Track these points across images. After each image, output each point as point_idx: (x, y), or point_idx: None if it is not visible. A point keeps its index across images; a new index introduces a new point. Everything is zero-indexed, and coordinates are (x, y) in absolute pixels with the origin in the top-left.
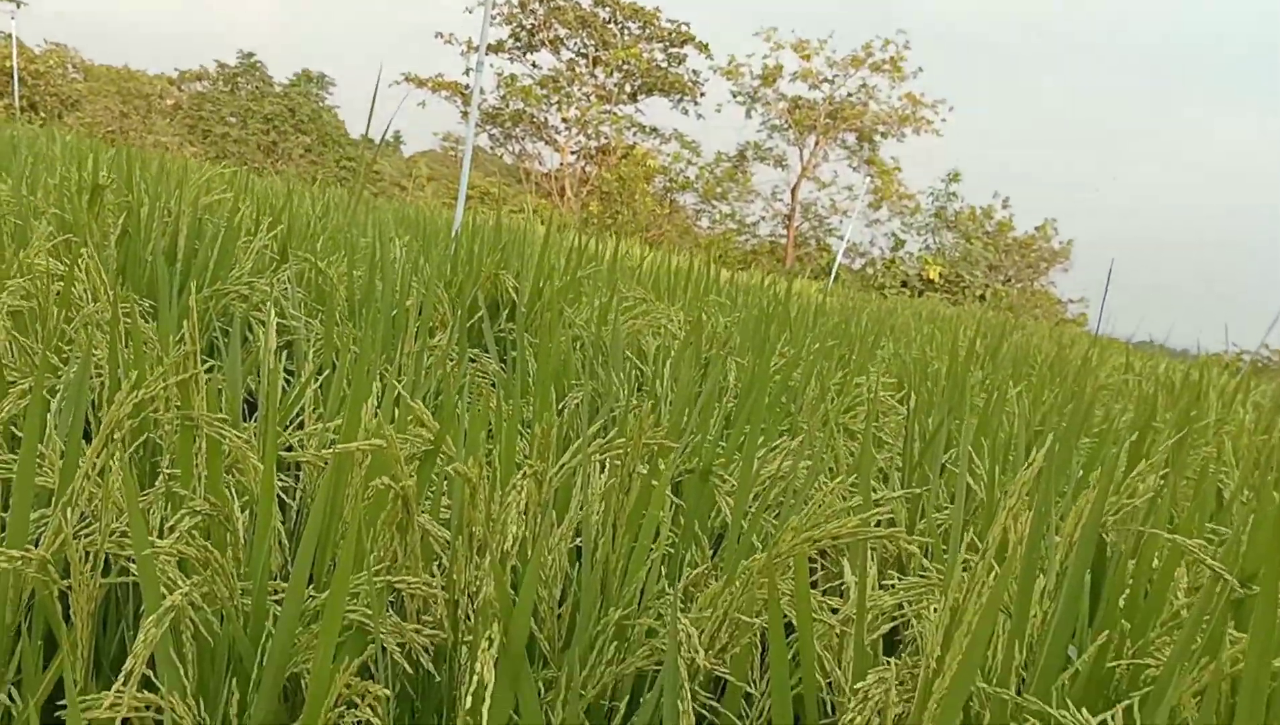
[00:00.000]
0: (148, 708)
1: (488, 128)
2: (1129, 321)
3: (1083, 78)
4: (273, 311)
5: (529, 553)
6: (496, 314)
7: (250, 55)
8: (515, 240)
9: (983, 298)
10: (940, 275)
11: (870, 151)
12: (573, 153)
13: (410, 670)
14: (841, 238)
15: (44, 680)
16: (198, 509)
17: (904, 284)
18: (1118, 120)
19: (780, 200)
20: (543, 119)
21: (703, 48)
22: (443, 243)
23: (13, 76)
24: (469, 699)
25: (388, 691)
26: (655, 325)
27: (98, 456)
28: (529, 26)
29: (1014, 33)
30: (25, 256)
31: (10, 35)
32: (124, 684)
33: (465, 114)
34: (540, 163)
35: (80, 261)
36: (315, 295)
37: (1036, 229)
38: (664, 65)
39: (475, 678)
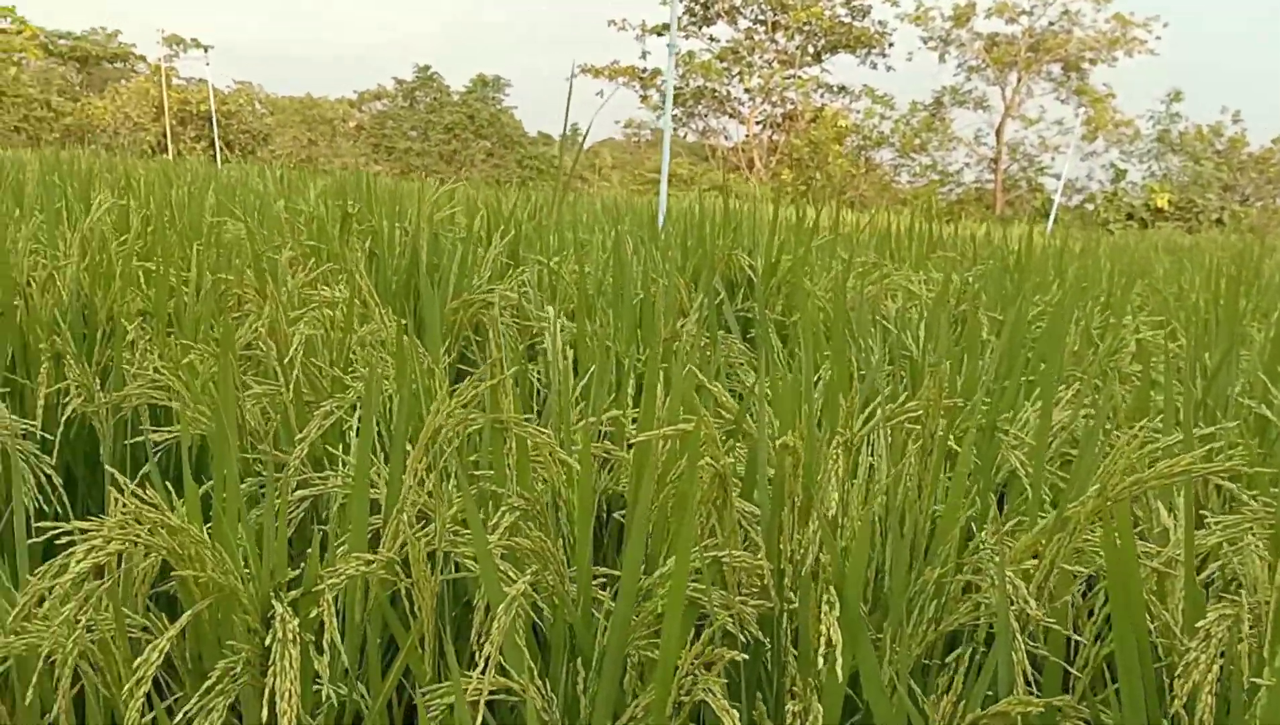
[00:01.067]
0: (494, 691)
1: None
2: None
3: None
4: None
5: (844, 518)
6: (734, 294)
7: (426, 68)
8: (741, 220)
9: (1220, 222)
10: (1170, 202)
11: (1079, 81)
12: (758, 123)
13: (743, 639)
14: (1057, 176)
15: (392, 674)
16: (515, 505)
17: (1130, 216)
18: None
19: (985, 144)
20: (725, 92)
21: None
22: (651, 229)
23: (211, 119)
24: (820, 659)
25: (742, 655)
26: (893, 287)
27: (419, 463)
28: (704, 0)
29: None
30: (297, 285)
31: (205, 80)
32: (482, 670)
33: (645, 98)
34: (726, 137)
35: (354, 286)
36: (550, 294)
37: (1274, 141)
38: (847, 20)
39: (822, 639)
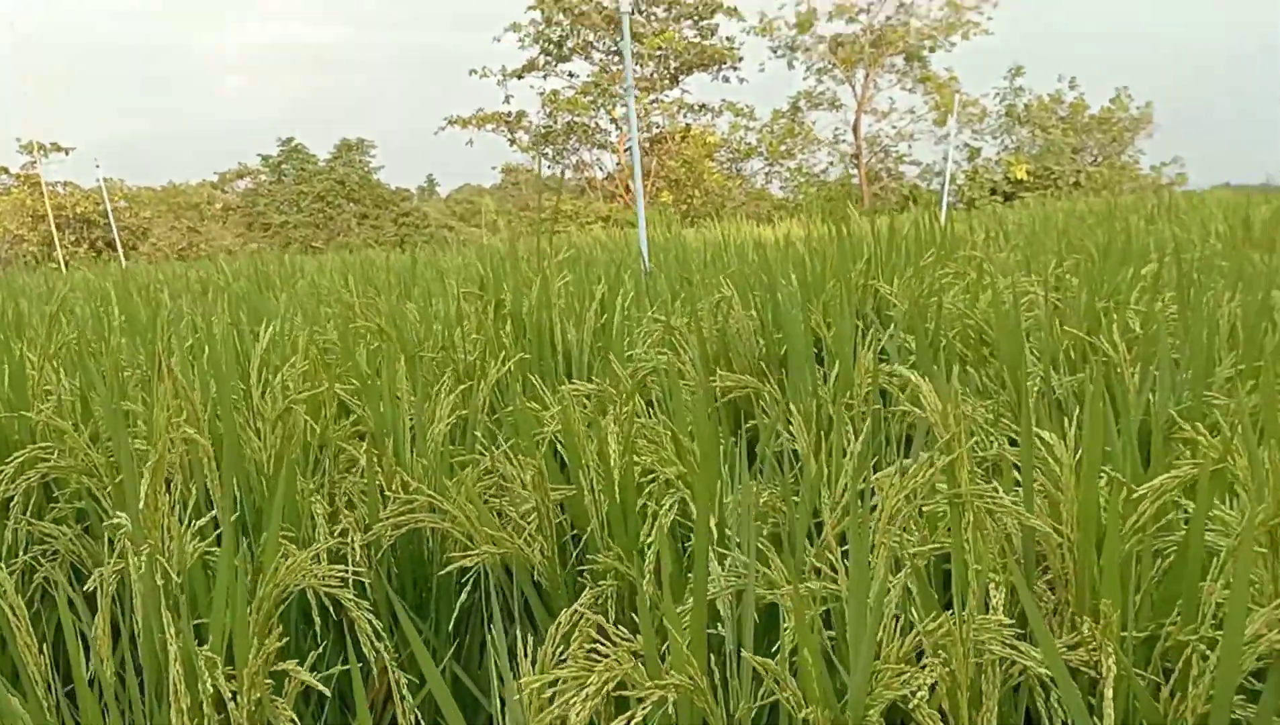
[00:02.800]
0: None
1: (541, 148)
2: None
3: None
4: None
5: None
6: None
7: (290, 140)
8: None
9: (1077, 185)
10: (1029, 173)
11: (922, 69)
12: (626, 149)
13: None
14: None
15: None
16: None
17: (993, 191)
18: None
19: (844, 141)
20: (594, 125)
21: (732, 12)
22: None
23: (109, 220)
24: None
25: None
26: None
27: None
28: (556, 39)
29: None
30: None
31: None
32: None
33: (514, 141)
34: (600, 168)
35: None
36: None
37: (1111, 101)
38: (698, 40)
39: None
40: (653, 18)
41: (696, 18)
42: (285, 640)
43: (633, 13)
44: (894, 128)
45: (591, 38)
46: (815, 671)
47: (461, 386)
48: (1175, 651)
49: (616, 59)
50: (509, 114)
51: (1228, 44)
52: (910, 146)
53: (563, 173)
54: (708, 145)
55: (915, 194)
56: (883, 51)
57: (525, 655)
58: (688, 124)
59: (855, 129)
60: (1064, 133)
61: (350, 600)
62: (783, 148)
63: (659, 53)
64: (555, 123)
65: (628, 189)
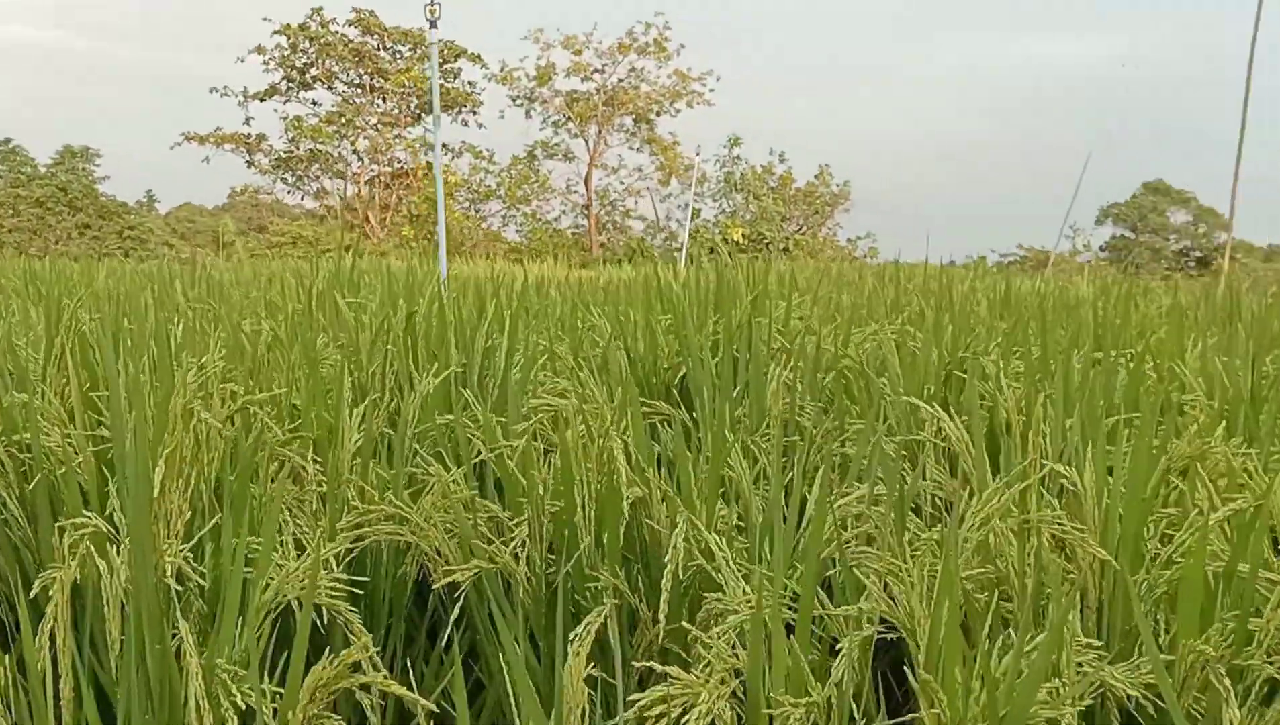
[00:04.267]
0: None
1: (281, 174)
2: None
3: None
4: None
5: None
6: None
7: (7, 141)
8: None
9: (786, 250)
10: (744, 236)
11: (649, 131)
12: (367, 181)
13: None
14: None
15: None
16: None
17: (712, 251)
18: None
19: (576, 192)
20: (337, 154)
21: (475, 59)
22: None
23: None
24: None
25: None
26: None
27: None
28: (300, 66)
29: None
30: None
31: None
32: None
33: (251, 163)
34: (341, 197)
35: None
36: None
37: (815, 176)
38: (442, 82)
39: None
40: (398, 56)
41: (441, 60)
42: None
43: (439, 44)
44: (622, 183)
45: (336, 68)
46: None
47: (378, 401)
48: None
49: (359, 91)
50: (249, 135)
51: (917, 140)
52: (636, 202)
53: (302, 198)
54: (449, 184)
55: (641, 247)
56: (614, 111)
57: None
58: (429, 161)
59: (587, 181)
60: (774, 202)
61: (351, 613)
62: (520, 193)
63: (403, 89)
64: (297, 148)
65: (368, 219)
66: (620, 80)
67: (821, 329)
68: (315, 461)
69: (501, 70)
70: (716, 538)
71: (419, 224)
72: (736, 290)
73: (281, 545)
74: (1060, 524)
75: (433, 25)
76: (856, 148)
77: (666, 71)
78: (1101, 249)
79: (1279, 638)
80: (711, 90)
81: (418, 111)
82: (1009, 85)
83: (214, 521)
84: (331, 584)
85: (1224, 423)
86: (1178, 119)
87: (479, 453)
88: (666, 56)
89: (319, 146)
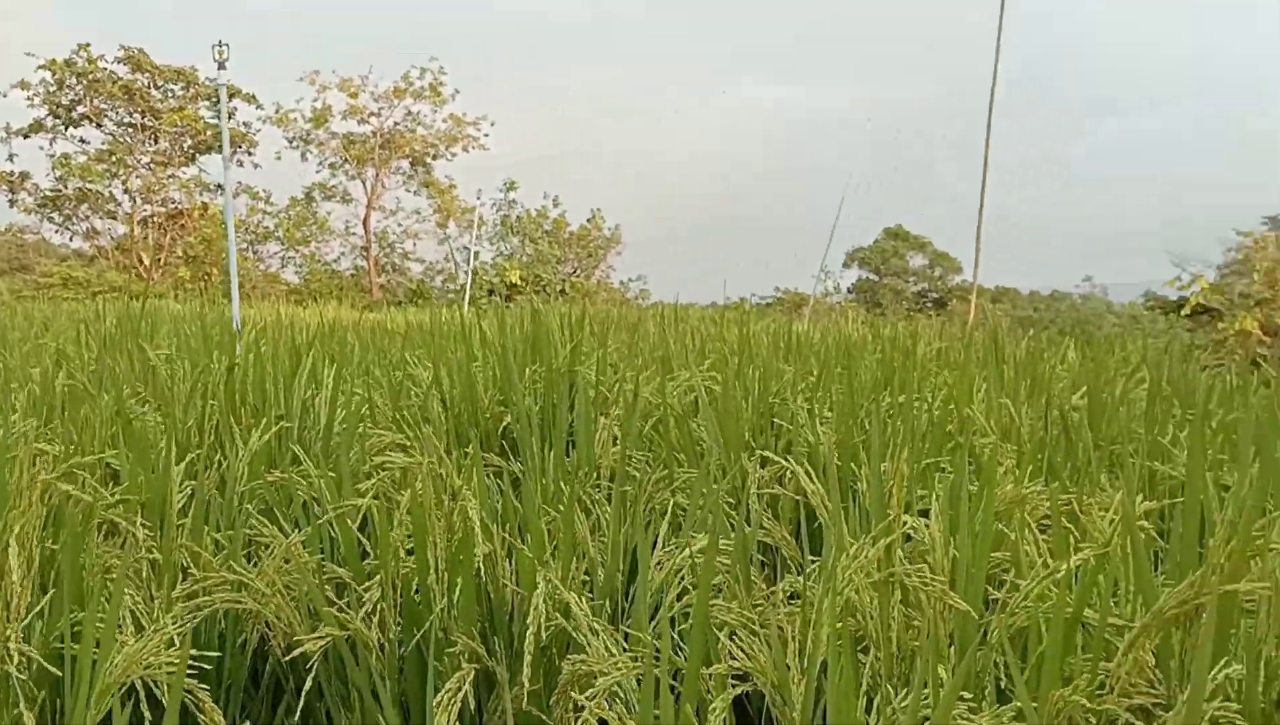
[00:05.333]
0: None
1: (48, 213)
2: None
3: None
4: None
5: None
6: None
7: None
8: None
9: (563, 292)
10: (521, 278)
11: (426, 174)
12: (140, 222)
13: None
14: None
15: None
16: None
17: (491, 292)
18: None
19: (355, 234)
20: (108, 193)
21: (250, 99)
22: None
23: None
24: None
25: None
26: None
27: None
28: (67, 103)
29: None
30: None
31: None
32: None
33: (14, 202)
34: (112, 238)
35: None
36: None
37: (588, 221)
38: (215, 121)
39: None
40: (170, 94)
41: (214, 100)
42: None
43: (229, 89)
44: (400, 225)
45: (105, 106)
46: None
47: (201, 458)
48: None
49: (131, 130)
50: (12, 173)
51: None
52: (415, 244)
53: (71, 238)
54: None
55: (422, 288)
56: (391, 154)
57: None
58: (205, 202)
59: (365, 223)
60: (550, 245)
61: (202, 690)
62: (299, 234)
63: (176, 129)
64: (65, 187)
65: (141, 260)
66: (397, 124)
67: (638, 377)
68: (144, 526)
69: (277, 112)
70: (575, 597)
71: (195, 265)
72: (551, 337)
73: (120, 621)
74: (921, 577)
75: (221, 67)
76: (623, 190)
77: (442, 115)
78: (849, 291)
79: (1128, 681)
80: (486, 135)
81: (192, 151)
82: (774, 130)
83: (47, 598)
84: (172, 661)
85: (1030, 465)
86: (917, 170)
87: (321, 513)
88: (442, 101)
89: (88, 186)
